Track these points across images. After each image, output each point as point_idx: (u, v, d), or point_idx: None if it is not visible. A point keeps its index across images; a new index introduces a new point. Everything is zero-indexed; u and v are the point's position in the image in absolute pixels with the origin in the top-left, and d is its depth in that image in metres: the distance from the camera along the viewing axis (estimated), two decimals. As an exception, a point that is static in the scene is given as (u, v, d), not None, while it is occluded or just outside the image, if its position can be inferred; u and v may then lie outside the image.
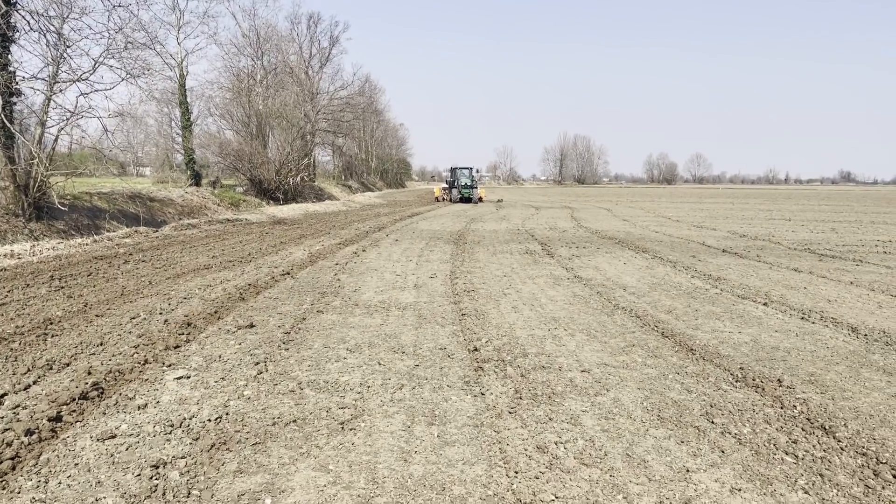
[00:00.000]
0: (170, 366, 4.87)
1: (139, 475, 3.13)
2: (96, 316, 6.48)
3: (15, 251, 10.79)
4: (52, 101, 13.93)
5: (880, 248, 14.09)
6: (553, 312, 6.97)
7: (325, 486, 3.07)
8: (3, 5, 12.82)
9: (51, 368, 4.76)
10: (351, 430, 3.73)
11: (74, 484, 3.06)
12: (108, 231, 14.74)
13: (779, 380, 4.67)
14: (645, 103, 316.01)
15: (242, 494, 2.98)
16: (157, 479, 3.10)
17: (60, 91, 14.14)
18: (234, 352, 5.28)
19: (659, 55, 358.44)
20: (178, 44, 26.32)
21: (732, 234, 17.27)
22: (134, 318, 6.38)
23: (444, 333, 6.00)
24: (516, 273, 9.83)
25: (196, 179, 26.89)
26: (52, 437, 3.57)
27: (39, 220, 13.43)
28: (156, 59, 22.15)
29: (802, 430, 3.79)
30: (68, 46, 13.89)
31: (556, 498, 2.98)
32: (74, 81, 14.15)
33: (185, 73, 26.75)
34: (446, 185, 40.62)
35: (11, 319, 6.26)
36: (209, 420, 3.82)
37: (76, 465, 3.25)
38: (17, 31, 13.52)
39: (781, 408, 4.14)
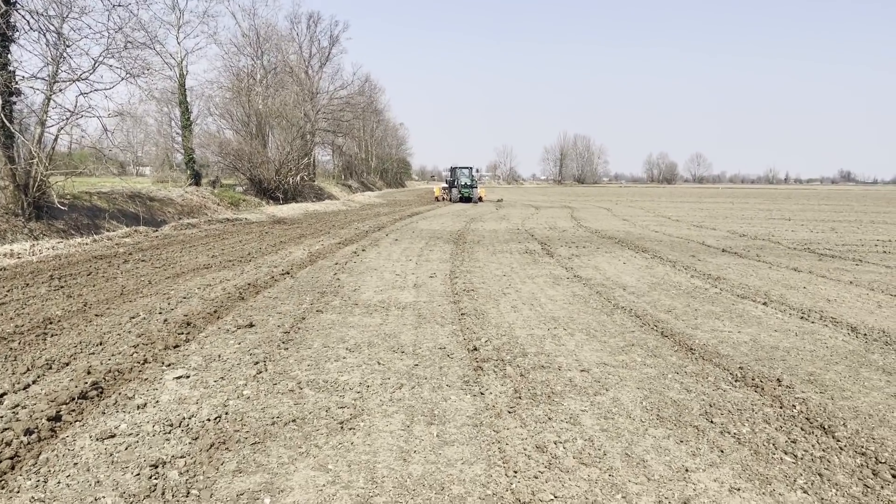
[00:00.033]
0: (169, 365, 4.87)
1: (138, 475, 3.13)
2: (96, 315, 6.48)
3: (14, 251, 10.79)
4: (51, 101, 13.93)
5: (880, 247, 14.09)
6: (552, 312, 6.97)
7: (324, 485, 3.07)
8: (2, 5, 12.81)
9: (50, 368, 4.76)
10: (350, 429, 3.73)
11: (74, 483, 3.06)
12: (107, 230, 14.74)
13: (778, 379, 4.67)
14: (645, 103, 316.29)
15: (242, 494, 2.98)
16: (156, 478, 3.10)
17: (60, 90, 14.15)
18: (234, 351, 5.28)
19: (659, 55, 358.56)
20: (178, 43, 26.34)
21: (732, 234, 17.28)
22: (133, 318, 6.38)
23: (444, 333, 6.00)
24: (516, 273, 9.83)
25: (196, 179, 26.89)
26: (52, 436, 3.57)
27: (39, 219, 13.43)
28: (155, 59, 22.14)
29: (801, 429, 3.79)
30: (68, 46, 13.89)
31: (556, 497, 2.98)
32: (74, 81, 14.16)
33: (184, 73, 26.76)
34: (446, 185, 40.61)
35: (11, 319, 6.26)
36: (208, 419, 3.82)
37: (75, 464, 3.25)
38: (17, 30, 13.51)
39: (781, 407, 4.14)
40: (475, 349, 5.40)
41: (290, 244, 13.47)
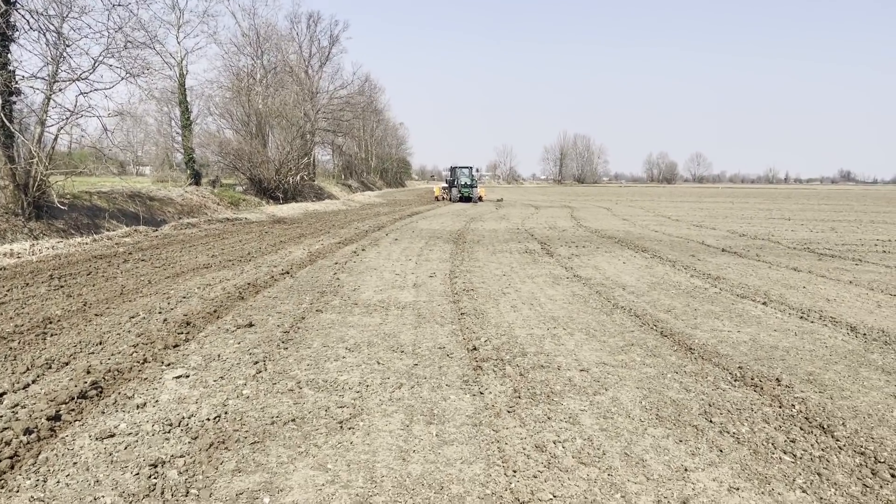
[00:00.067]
0: (169, 365, 4.88)
1: (138, 474, 3.14)
2: (95, 315, 6.49)
3: (14, 250, 10.79)
4: (51, 101, 13.93)
5: (879, 247, 14.09)
6: (552, 312, 6.97)
7: (323, 484, 3.07)
8: (2, 4, 12.81)
9: (50, 367, 4.76)
10: (349, 429, 3.73)
11: (73, 483, 3.06)
12: (107, 230, 14.75)
13: (777, 379, 4.67)
14: (645, 103, 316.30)
15: (241, 493, 2.98)
16: (155, 478, 3.11)
17: (60, 90, 14.15)
18: (233, 351, 5.28)
19: (659, 55, 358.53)
20: (178, 43, 26.34)
21: (732, 234, 17.28)
22: (133, 318, 6.38)
23: (443, 333, 6.01)
24: (515, 272, 9.83)
25: (196, 178, 26.89)
26: (51, 436, 3.58)
27: (39, 219, 13.43)
28: (155, 59, 22.13)
29: (801, 429, 3.80)
30: (68, 45, 13.90)
31: (555, 497, 2.98)
32: (74, 80, 14.16)
33: (184, 73, 26.75)
34: (446, 185, 40.61)
35: (11, 318, 6.26)
36: (208, 419, 3.82)
37: (75, 464, 3.25)
38: (17, 30, 13.51)
39: (780, 407, 4.14)
40: (475, 349, 5.40)
41: (289, 244, 13.48)
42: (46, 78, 13.80)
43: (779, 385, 4.55)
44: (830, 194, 68.45)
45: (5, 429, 3.58)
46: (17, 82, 13.45)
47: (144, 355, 5.06)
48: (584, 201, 42.11)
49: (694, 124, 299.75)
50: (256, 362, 4.95)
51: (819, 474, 3.23)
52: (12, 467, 3.19)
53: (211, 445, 3.46)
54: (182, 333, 5.75)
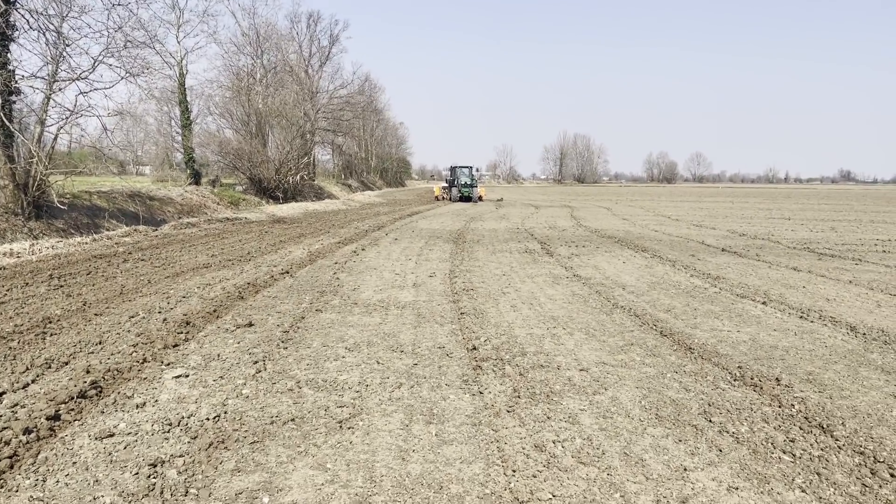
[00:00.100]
0: (168, 365, 4.88)
1: (137, 474, 3.14)
2: (95, 315, 6.49)
3: (14, 250, 10.79)
4: (51, 100, 13.93)
5: (879, 247, 14.09)
6: (552, 311, 6.97)
7: (322, 484, 3.07)
8: (2, 4, 12.81)
9: (49, 367, 4.76)
10: (349, 428, 3.73)
11: (73, 482, 3.06)
12: (107, 230, 14.75)
13: (777, 378, 4.67)
14: (645, 102, 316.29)
15: (240, 493, 2.98)
16: (155, 477, 3.11)
17: (60, 90, 14.15)
18: (233, 351, 5.28)
19: (659, 55, 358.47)
20: (178, 42, 26.32)
21: (732, 233, 17.28)
22: (133, 317, 6.38)
23: (443, 332, 6.01)
24: (515, 272, 9.83)
25: (196, 178, 26.88)
26: (51, 435, 3.58)
27: (39, 218, 13.43)
28: (155, 58, 22.14)
29: (800, 428, 3.80)
30: (67, 45, 13.89)
31: (554, 496, 2.98)
32: (74, 80, 14.16)
33: (184, 72, 26.73)
34: (446, 184, 40.62)
35: (10, 318, 6.26)
36: (207, 419, 3.82)
37: (74, 463, 3.25)
38: (17, 29, 13.51)
39: (779, 406, 4.14)
40: (474, 348, 5.40)
41: (289, 243, 13.48)
42: (46, 77, 13.80)
43: (778, 385, 4.55)
44: (830, 194, 68.46)
45: (5, 428, 3.57)
46: (16, 82, 13.45)
47: (144, 355, 5.06)
48: (584, 201, 42.11)
49: (694, 124, 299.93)
50: (256, 362, 4.95)
51: (818, 474, 3.23)
52: (12, 467, 3.19)
53: (210, 445, 3.46)
54: (182, 333, 5.75)
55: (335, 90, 47.22)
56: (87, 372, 4.58)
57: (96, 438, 3.53)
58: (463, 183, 37.82)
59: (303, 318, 6.48)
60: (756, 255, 12.23)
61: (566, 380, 4.64)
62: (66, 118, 14.09)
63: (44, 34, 13.63)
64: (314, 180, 39.67)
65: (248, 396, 4.22)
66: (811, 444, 3.57)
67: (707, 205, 36.85)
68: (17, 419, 3.73)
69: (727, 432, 3.74)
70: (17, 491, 2.98)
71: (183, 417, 3.83)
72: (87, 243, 12.38)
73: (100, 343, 5.43)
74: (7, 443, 3.40)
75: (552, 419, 3.90)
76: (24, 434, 3.50)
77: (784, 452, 3.48)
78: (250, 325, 6.13)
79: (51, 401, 4.00)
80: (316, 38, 46.18)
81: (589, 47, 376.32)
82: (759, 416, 3.98)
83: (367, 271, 9.66)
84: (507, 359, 5.12)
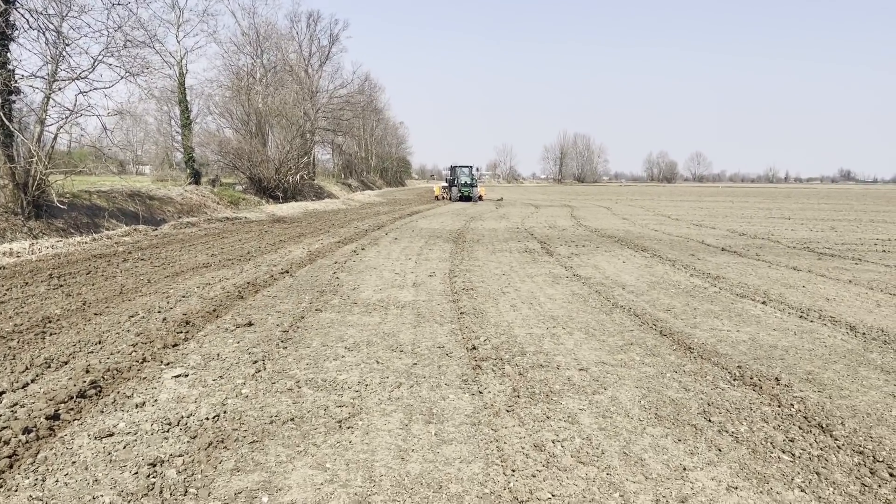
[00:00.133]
0: (168, 364, 4.88)
1: (136, 473, 3.14)
2: (95, 314, 6.49)
3: (14, 249, 10.79)
4: (51, 100, 13.93)
5: (879, 246, 14.09)
6: (552, 311, 6.97)
7: (322, 484, 3.07)
8: (2, 3, 12.80)
9: (49, 367, 4.76)
10: (348, 428, 3.74)
11: (72, 482, 3.06)
12: (107, 229, 14.75)
13: (776, 378, 4.67)
14: (645, 102, 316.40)
15: (240, 492, 2.98)
16: (154, 477, 3.11)
17: (59, 89, 14.14)
18: (233, 350, 5.28)
19: (659, 54, 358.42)
20: (178, 42, 26.32)
21: (732, 233, 17.28)
22: (132, 317, 6.38)
23: (443, 332, 6.00)
24: (515, 272, 9.83)
25: (195, 178, 26.89)
26: (50, 435, 3.58)
27: (38, 218, 13.43)
28: (155, 58, 22.12)
29: (799, 428, 3.80)
30: (67, 45, 13.89)
31: (553, 496, 2.98)
32: (73, 80, 14.15)
33: (184, 72, 26.74)
34: (446, 184, 40.63)
35: (10, 318, 6.26)
36: (207, 418, 3.82)
37: (74, 463, 3.25)
38: (17, 29, 13.50)
39: (779, 406, 4.14)
40: (474, 348, 5.40)
41: (289, 243, 13.48)
42: (46, 77, 13.79)
43: (778, 384, 4.55)
44: (830, 193, 68.46)
45: (4, 428, 3.57)
46: (16, 81, 13.45)
47: (143, 354, 5.06)
48: (583, 200, 42.10)
49: (694, 124, 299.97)
50: (255, 361, 4.95)
51: (818, 473, 3.23)
52: (11, 466, 3.19)
53: (210, 445, 3.46)
54: (181, 333, 5.75)
55: (335, 90, 47.25)
56: (87, 371, 4.58)
57: (96, 438, 3.53)
58: (463, 182, 37.84)
59: (302, 317, 6.48)
60: (756, 255, 12.23)
61: (566, 379, 4.64)
62: (66, 118, 14.10)
63: (43, 33, 13.64)
64: (314, 180, 39.67)
65: (247, 396, 4.22)
66: (810, 444, 3.57)
67: (707, 204, 36.85)
68: (16, 419, 3.74)
69: (726, 432, 3.74)
70: (16, 490, 2.98)
71: (182, 417, 3.83)
72: (86, 243, 12.38)
73: (99, 343, 5.43)
74: (6, 442, 3.40)
75: (551, 419, 3.90)
76: (23, 433, 3.50)
77: (783, 452, 3.48)
78: (250, 324, 6.13)
79: (50, 400, 4.00)
80: (316, 38, 46.20)
81: (589, 47, 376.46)
82: (758, 416, 3.98)
83: (367, 271, 9.66)
84: (507, 358, 5.13)
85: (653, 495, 3.00)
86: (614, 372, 4.84)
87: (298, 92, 37.92)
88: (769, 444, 3.58)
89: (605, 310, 7.07)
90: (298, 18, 46.15)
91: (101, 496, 2.93)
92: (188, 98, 28.38)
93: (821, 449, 3.52)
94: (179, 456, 3.33)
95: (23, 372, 4.64)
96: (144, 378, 4.54)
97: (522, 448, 3.48)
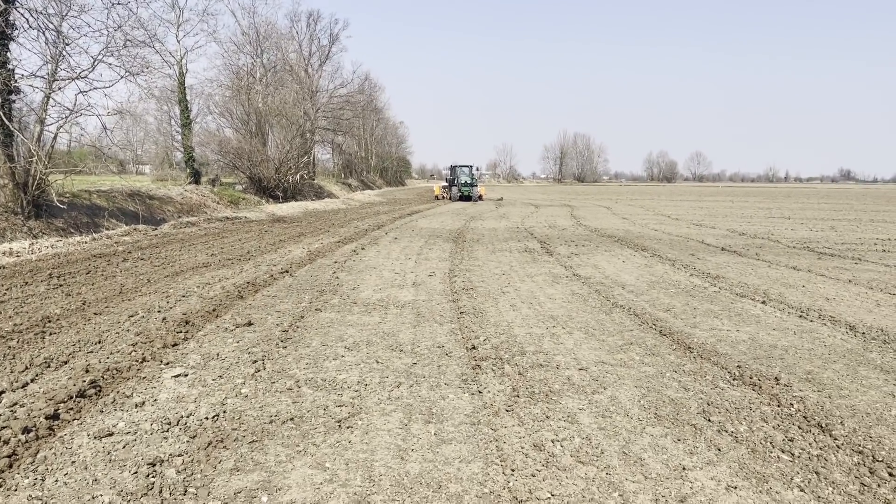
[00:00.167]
0: (168, 364, 4.88)
1: (136, 473, 3.14)
2: (94, 314, 6.49)
3: (13, 249, 10.79)
4: (51, 99, 13.92)
5: (879, 246, 14.09)
6: (551, 311, 6.97)
7: (321, 483, 3.07)
8: (2, 3, 12.80)
9: (49, 366, 4.76)
10: (348, 428, 3.74)
11: (71, 482, 3.06)
12: (107, 229, 14.74)
13: (776, 378, 4.68)
14: (645, 101, 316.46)
15: (239, 492, 2.98)
16: (153, 476, 3.11)
17: (59, 89, 14.14)
18: (232, 350, 5.28)
19: (659, 53, 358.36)
20: (178, 41, 26.32)
21: (731, 233, 17.28)
22: (132, 317, 6.38)
23: (443, 332, 6.01)
24: (515, 271, 9.83)
25: (195, 177, 26.89)
26: (50, 435, 3.58)
27: (38, 217, 13.43)
28: (155, 57, 22.11)
29: (799, 427, 3.80)
30: (67, 44, 13.88)
31: (552, 496, 2.98)
32: (73, 79, 14.15)
33: (184, 71, 26.74)
34: (446, 184, 40.64)
35: (10, 317, 6.26)
36: (206, 418, 3.82)
37: (73, 462, 3.25)
38: (16, 28, 13.50)
39: (778, 406, 4.14)
40: (474, 348, 5.40)
41: (289, 243, 13.48)
42: (46, 76, 13.79)
43: (777, 384, 4.55)
44: (830, 193, 68.46)
45: (4, 427, 3.58)
46: (16, 81, 13.44)
47: (143, 354, 5.06)
48: (583, 200, 42.10)
49: (694, 123, 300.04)
50: (255, 361, 4.95)
51: (817, 473, 3.23)
52: (11, 466, 3.20)
53: (209, 444, 3.46)
54: (181, 332, 5.75)
55: (335, 89, 47.22)
56: (87, 371, 4.58)
57: (95, 438, 3.53)
58: (463, 182, 37.85)
59: (302, 317, 6.48)
60: (756, 255, 12.23)
61: (565, 379, 4.64)
62: (66, 117, 14.09)
63: (43, 33, 13.63)
64: (314, 179, 39.67)
65: (247, 396, 4.22)
66: (810, 444, 3.58)
67: (707, 204, 36.85)
68: (16, 418, 3.74)
69: (726, 431, 3.74)
70: (15, 490, 2.98)
71: (182, 417, 3.83)
72: (86, 242, 12.38)
73: (99, 342, 5.43)
74: (6, 442, 3.40)
75: (551, 418, 3.90)
76: (23, 433, 3.50)
77: (783, 452, 3.48)
78: (249, 324, 6.13)
79: (50, 400, 4.00)
80: (316, 38, 46.16)
81: (589, 46, 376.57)
82: (757, 416, 3.98)
83: (367, 270, 9.66)
84: (507, 358, 5.13)
85: (652, 495, 3.00)
86: (614, 371, 4.84)
87: (298, 91, 37.91)
88: (768, 443, 3.58)
89: (605, 309, 7.07)
90: (298, 18, 46.19)
91: (101, 496, 2.93)
92: (188, 98, 28.39)
93: (820, 448, 3.52)
94: (179, 455, 3.33)
95: (22, 371, 4.64)
96: (144, 378, 4.54)
97: (522, 448, 3.48)
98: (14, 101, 13.73)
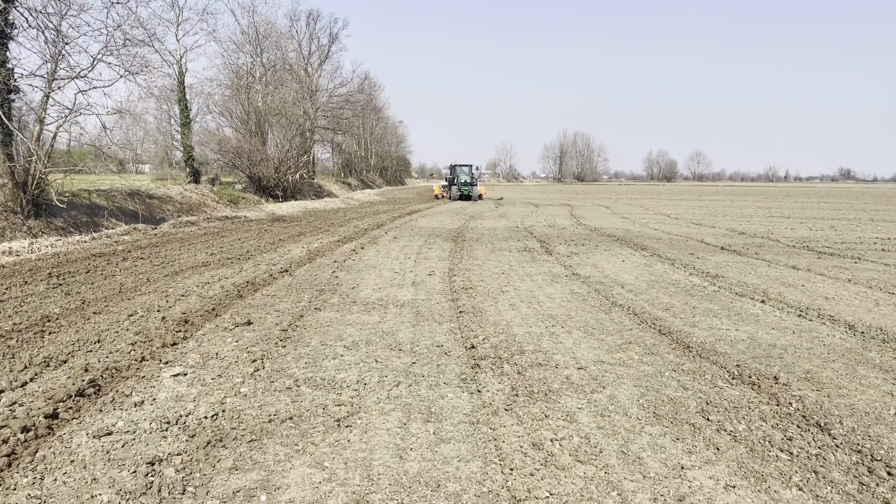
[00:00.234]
0: (167, 363, 4.88)
1: (135, 472, 3.14)
2: (94, 313, 6.49)
3: (13, 248, 10.79)
4: (50, 98, 13.91)
5: (879, 245, 14.09)
6: (550, 310, 6.97)
7: (320, 482, 3.07)
8: (1, 2, 12.79)
9: (48, 366, 4.76)
10: (347, 427, 3.74)
11: (70, 481, 3.06)
12: (106, 228, 14.74)
13: (775, 377, 4.68)
14: (645, 101, 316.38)
15: (238, 491, 2.99)
16: (152, 475, 3.11)
17: (59, 88, 14.13)
18: (232, 349, 5.28)
19: (659, 53, 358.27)
20: (177, 41, 26.31)
21: (731, 232, 17.28)
22: (131, 316, 6.38)
23: (442, 331, 6.01)
24: (514, 270, 9.84)
25: (195, 177, 26.88)
26: (49, 434, 3.58)
27: (38, 217, 13.42)
28: (154, 56, 22.07)
29: (798, 427, 3.80)
30: (67, 43, 13.87)
31: (551, 495, 2.98)
32: (73, 78, 14.14)
33: (184, 70, 26.73)
34: (446, 183, 40.65)
35: (9, 316, 6.26)
36: (205, 417, 3.82)
37: (72, 461, 3.26)
38: (16, 27, 13.49)
39: (777, 405, 4.15)
40: (473, 347, 5.40)
41: (288, 242, 13.47)
42: (45, 76, 13.78)
43: (776, 383, 4.55)
44: (830, 192, 68.47)
45: (3, 427, 3.58)
46: (15, 80, 13.44)
47: (142, 353, 5.06)
48: (583, 199, 42.10)
49: (694, 122, 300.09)
50: (254, 360, 4.95)
51: (815, 472, 3.24)
52: (10, 465, 3.20)
53: (208, 443, 3.46)
54: (180, 332, 5.75)
55: (335, 88, 47.21)
56: (86, 370, 4.59)
57: (94, 437, 3.53)
58: (463, 181, 37.86)
59: (301, 316, 6.48)
60: (755, 254, 12.23)
61: (564, 378, 4.64)
62: (66, 116, 14.09)
63: (43, 32, 13.63)
64: (314, 179, 39.65)
65: (246, 395, 4.22)
66: (808, 443, 3.58)
67: (706, 203, 36.85)
68: (15, 417, 3.74)
69: (725, 431, 3.74)
70: (14, 489, 2.98)
71: (181, 416, 3.83)
72: (86, 242, 12.38)
73: (98, 341, 5.43)
74: (5, 441, 3.40)
75: (550, 417, 3.90)
76: (22, 432, 3.51)
77: (781, 451, 3.48)
78: (249, 323, 6.13)
79: (49, 399, 4.00)
80: (315, 37, 46.14)
81: (589, 45, 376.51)
82: (756, 415, 3.98)
83: (366, 270, 9.66)
84: (506, 357, 5.13)
85: (651, 494, 3.00)
86: (613, 371, 4.84)
87: (298, 91, 37.87)
88: (767, 442, 3.58)
89: (604, 309, 7.07)
90: (298, 17, 46.17)
91: (100, 495, 2.93)
92: (188, 97, 28.39)
93: (819, 448, 3.52)
94: (178, 455, 3.33)
95: (22, 371, 4.64)
96: (143, 377, 4.55)
97: (521, 447, 3.48)
98: (13, 101, 13.73)
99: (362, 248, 12.51)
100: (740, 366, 4.96)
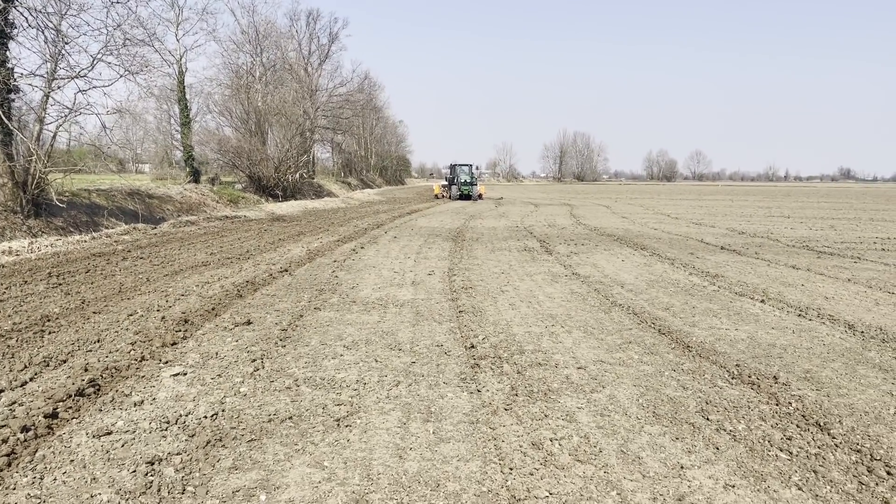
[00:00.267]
0: (166, 363, 4.88)
1: (134, 471, 3.14)
2: (94, 313, 6.49)
3: (13, 248, 10.79)
4: (50, 98, 13.91)
5: (878, 245, 14.10)
6: (550, 309, 6.97)
7: (319, 482, 3.07)
8: (1, 2, 12.78)
9: (47, 365, 4.76)
10: (346, 426, 3.74)
11: (70, 480, 3.06)
12: (106, 228, 14.74)
13: (774, 377, 4.68)
14: (645, 100, 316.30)
15: (237, 491, 2.99)
16: (152, 475, 3.11)
17: (59, 88, 14.13)
18: (231, 349, 5.28)
19: (659, 52, 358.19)
20: (177, 40, 26.30)
21: (731, 232, 17.28)
22: (131, 315, 6.38)
23: (441, 330, 6.01)
24: (514, 270, 9.84)
25: (195, 176, 26.87)
26: (48, 433, 3.58)
27: (38, 216, 13.42)
28: (154, 56, 22.04)
29: (797, 426, 3.80)
30: (66, 43, 13.87)
31: (551, 494, 2.98)
32: (73, 78, 14.14)
33: (183, 70, 26.72)
34: (446, 183, 40.65)
35: (9, 316, 6.26)
36: (205, 417, 3.82)
37: (72, 461, 3.26)
38: (16, 27, 13.49)
39: (777, 405, 4.15)
40: (472, 346, 5.41)
41: (288, 242, 13.47)
42: (45, 75, 13.78)
43: (776, 383, 4.55)
44: (830, 192, 68.48)
45: (2, 426, 3.58)
46: (15, 80, 13.44)
47: (142, 353, 5.06)
48: (583, 199, 42.10)
49: (694, 122, 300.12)
50: (254, 360, 4.95)
51: (815, 472, 3.24)
52: (9, 465, 3.20)
53: (208, 443, 3.47)
54: (180, 331, 5.75)
55: (335, 88, 47.19)
56: (86, 370, 4.59)
57: (94, 436, 3.53)
58: (463, 181, 37.87)
59: (301, 316, 6.48)
60: (755, 254, 12.23)
61: (564, 378, 4.64)
62: (66, 116, 14.09)
63: (43, 32, 13.63)
64: (313, 178, 39.65)
65: (245, 394, 4.22)
66: (808, 442, 3.58)
67: (706, 203, 36.86)
68: (14, 417, 3.74)
69: (724, 430, 3.74)
70: (14, 489, 2.98)
71: (181, 415, 3.83)
72: (86, 241, 12.38)
73: (98, 341, 5.43)
74: (5, 441, 3.40)
75: (549, 417, 3.90)
76: (21, 432, 3.51)
77: (781, 450, 3.49)
78: (249, 323, 6.13)
79: (49, 399, 4.00)
80: (315, 36, 46.11)
81: (589, 45, 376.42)
82: (756, 414, 3.98)
83: (366, 269, 9.66)
84: (506, 357, 5.13)
85: (650, 493, 3.00)
86: (612, 370, 4.85)
87: (298, 90, 37.86)
88: (767, 442, 3.58)
89: (604, 308, 7.07)
90: (298, 17, 46.13)
91: (100, 494, 2.93)
92: (187, 96, 28.39)
93: (818, 447, 3.52)
94: (178, 454, 3.33)
95: (21, 370, 4.64)
96: (143, 377, 4.55)
97: (520, 446, 3.48)
98: (13, 100, 13.73)
99: (362, 247, 12.51)
100: (740, 365, 4.97)
